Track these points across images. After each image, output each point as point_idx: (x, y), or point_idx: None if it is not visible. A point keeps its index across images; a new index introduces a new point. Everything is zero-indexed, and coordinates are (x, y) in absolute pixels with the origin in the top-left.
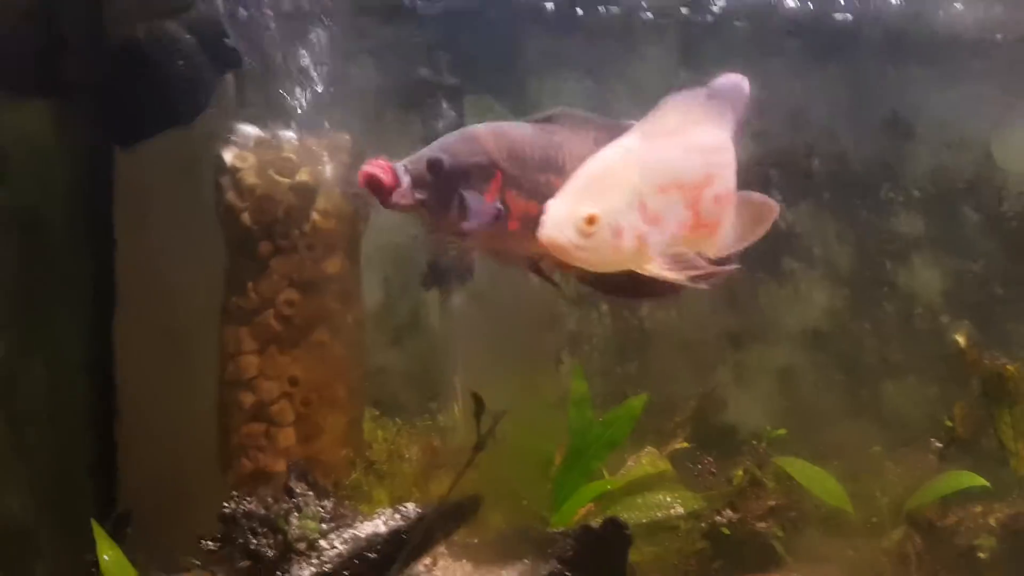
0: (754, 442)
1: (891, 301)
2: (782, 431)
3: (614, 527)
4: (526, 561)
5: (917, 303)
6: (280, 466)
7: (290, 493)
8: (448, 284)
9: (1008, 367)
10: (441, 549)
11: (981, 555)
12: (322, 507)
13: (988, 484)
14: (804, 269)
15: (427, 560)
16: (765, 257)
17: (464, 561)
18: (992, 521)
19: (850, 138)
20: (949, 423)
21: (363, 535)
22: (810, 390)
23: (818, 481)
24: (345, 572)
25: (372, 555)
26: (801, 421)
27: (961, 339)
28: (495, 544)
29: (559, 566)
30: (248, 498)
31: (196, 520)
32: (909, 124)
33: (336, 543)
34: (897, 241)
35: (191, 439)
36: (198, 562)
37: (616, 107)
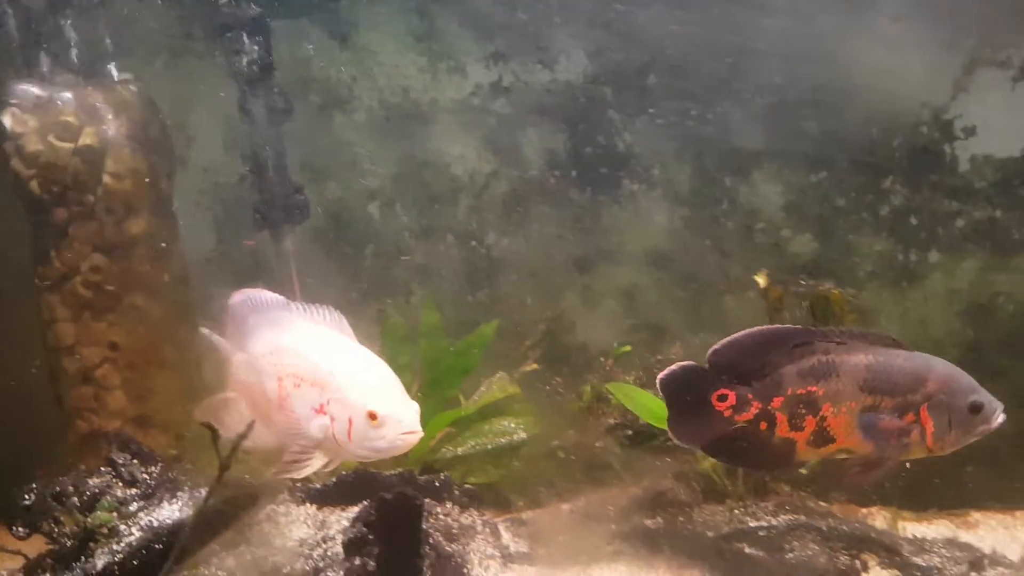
0: (601, 359)
1: (732, 217)
2: (627, 348)
3: (405, 499)
4: (364, 504)
5: (758, 218)
6: (116, 425)
7: (112, 464)
8: (282, 224)
9: (833, 291)
10: (284, 495)
11: (803, 471)
12: (148, 474)
13: None
14: (644, 190)
15: (273, 505)
16: (606, 180)
17: (308, 504)
18: None
19: (688, 53)
20: None
21: (156, 524)
22: (654, 308)
23: (645, 405)
24: (133, 561)
25: (158, 546)
26: (648, 337)
27: (761, 280)
28: (338, 487)
29: (364, 529)
30: (62, 477)
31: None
32: (749, 38)
33: (134, 529)
34: (738, 156)
35: (31, 400)
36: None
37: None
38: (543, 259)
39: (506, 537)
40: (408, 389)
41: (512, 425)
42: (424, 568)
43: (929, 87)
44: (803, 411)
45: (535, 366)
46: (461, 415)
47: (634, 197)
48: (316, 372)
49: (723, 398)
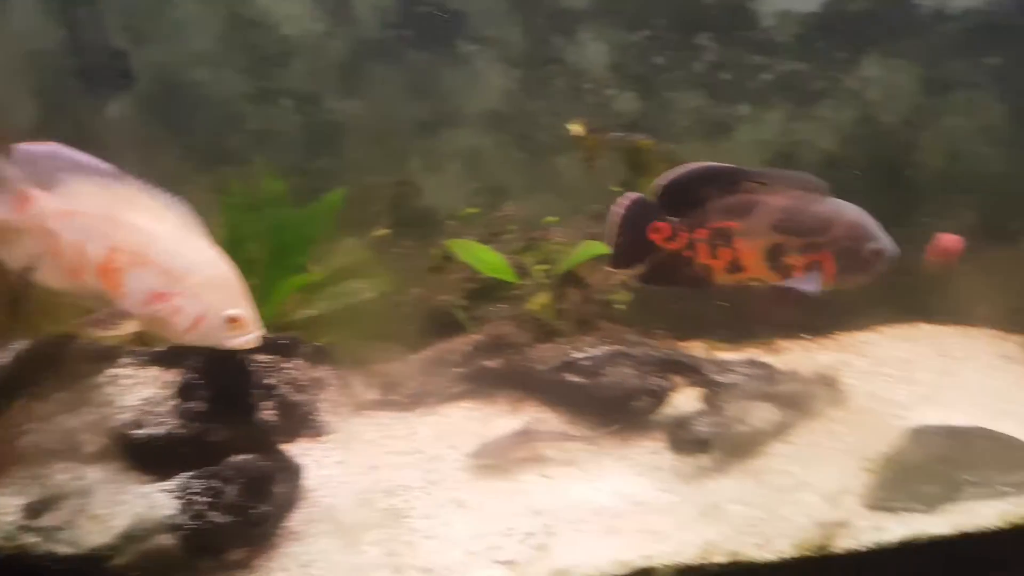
0: (449, 222)
1: (562, 77)
2: (474, 210)
3: None
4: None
5: (586, 78)
6: None
7: None
8: (107, 90)
9: (642, 141)
10: (126, 359)
11: (619, 307)
12: None
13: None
14: (479, 51)
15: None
16: (439, 41)
17: (151, 367)
18: (623, 277)
19: None
20: (616, 189)
21: None
22: (496, 169)
23: (481, 257)
24: None
25: None
26: (491, 199)
27: (576, 128)
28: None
29: (193, 375)
30: None
31: None
32: None
33: None
34: (564, 15)
35: None
36: None
37: None
38: (385, 123)
39: (358, 387)
40: (254, 259)
41: (361, 286)
42: (255, 404)
43: None
44: (720, 243)
45: (385, 231)
46: (308, 281)
47: (470, 58)
48: (166, 261)
49: (657, 230)
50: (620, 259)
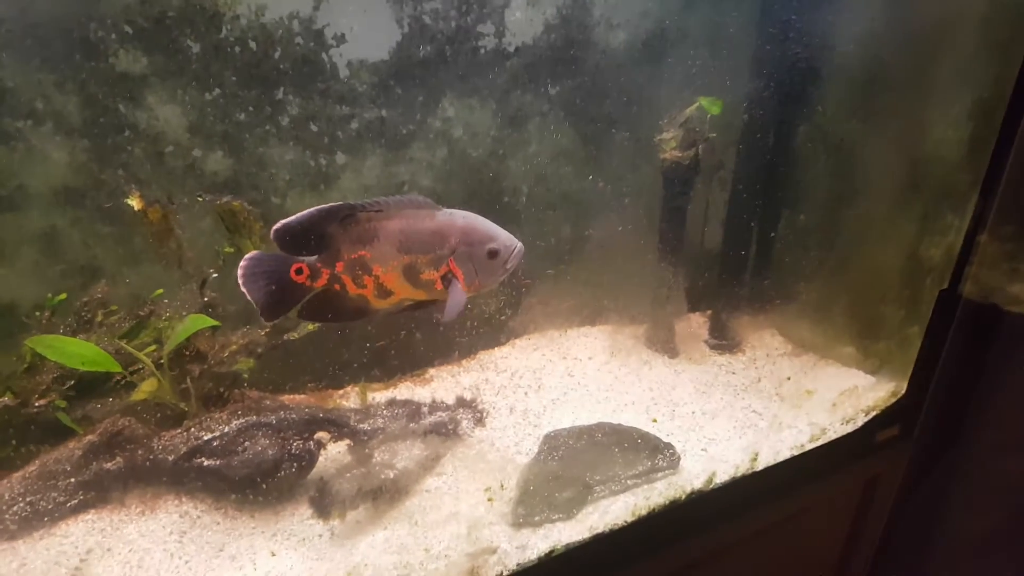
0: (37, 314)
1: (137, 144)
2: (63, 296)
3: None
4: None
5: (165, 141)
6: None
7: None
8: None
9: (234, 204)
10: None
11: (245, 376)
12: None
13: (219, 323)
14: (31, 127)
15: None
16: None
17: None
18: (235, 347)
19: None
20: (229, 250)
21: None
22: (81, 248)
23: (70, 351)
24: None
25: None
26: (84, 280)
27: (135, 203)
28: None
29: None
30: None
31: None
32: None
33: None
34: (122, 82)
35: None
36: None
37: None
38: None
39: None
40: None
41: None
42: None
43: None
44: (360, 272)
45: None
46: None
47: (22, 135)
48: None
49: (300, 271)
50: (274, 314)
